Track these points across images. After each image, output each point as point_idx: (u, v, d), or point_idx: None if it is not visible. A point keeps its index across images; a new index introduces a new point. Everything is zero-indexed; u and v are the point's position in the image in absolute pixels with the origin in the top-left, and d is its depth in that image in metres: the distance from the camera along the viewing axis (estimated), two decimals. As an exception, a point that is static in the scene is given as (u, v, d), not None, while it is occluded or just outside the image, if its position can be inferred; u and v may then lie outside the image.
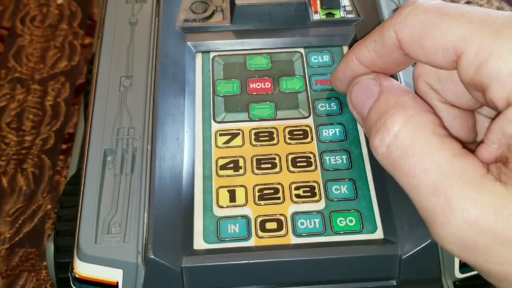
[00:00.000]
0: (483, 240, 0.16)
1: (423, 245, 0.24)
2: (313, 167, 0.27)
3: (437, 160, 0.17)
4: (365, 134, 0.28)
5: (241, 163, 0.27)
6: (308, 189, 0.26)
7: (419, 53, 0.19)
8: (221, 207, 0.26)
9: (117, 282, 0.24)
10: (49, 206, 0.42)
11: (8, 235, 0.40)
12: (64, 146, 0.45)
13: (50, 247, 0.29)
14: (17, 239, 0.40)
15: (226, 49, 0.32)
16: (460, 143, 0.18)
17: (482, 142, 0.18)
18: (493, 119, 0.20)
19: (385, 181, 0.26)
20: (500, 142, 0.17)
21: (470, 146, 0.20)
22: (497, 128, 0.17)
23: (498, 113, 0.17)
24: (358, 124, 0.29)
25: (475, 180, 0.16)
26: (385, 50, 0.20)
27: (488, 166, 0.17)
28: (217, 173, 0.27)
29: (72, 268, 0.25)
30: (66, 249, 0.27)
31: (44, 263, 0.38)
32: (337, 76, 0.23)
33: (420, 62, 0.20)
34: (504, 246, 0.16)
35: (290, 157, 0.28)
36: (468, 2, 0.56)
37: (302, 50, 0.32)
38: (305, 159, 0.27)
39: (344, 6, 0.33)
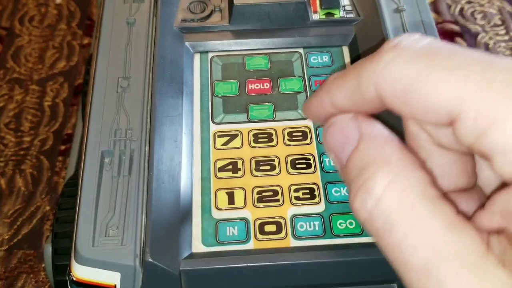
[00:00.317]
0: None
1: (423, 248, 0.24)
2: (312, 169, 0.27)
3: (428, 233, 0.14)
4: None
5: (239, 165, 0.27)
6: (308, 191, 0.26)
7: (405, 111, 0.15)
8: (220, 209, 0.26)
9: (115, 285, 0.24)
10: (47, 208, 0.41)
11: (7, 237, 0.40)
12: (62, 147, 0.45)
13: (48, 249, 0.29)
14: (15, 240, 0.40)
15: (225, 49, 0.31)
16: (455, 208, 0.15)
17: (482, 202, 0.15)
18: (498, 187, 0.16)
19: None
20: (503, 215, 0.14)
21: (470, 192, 0.17)
22: (502, 201, 0.14)
23: (503, 184, 0.14)
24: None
25: (474, 261, 0.14)
26: (364, 101, 0.16)
27: (489, 238, 0.14)
28: (215, 175, 0.27)
29: (70, 271, 0.25)
30: (64, 251, 0.27)
31: (43, 265, 0.38)
32: (309, 112, 0.19)
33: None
34: None
35: (289, 158, 0.27)
36: (469, 2, 0.56)
37: (301, 50, 0.31)
38: (304, 161, 0.27)
39: (344, 6, 0.33)
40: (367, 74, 0.15)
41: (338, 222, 0.25)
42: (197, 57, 0.31)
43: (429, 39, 0.15)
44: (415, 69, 0.14)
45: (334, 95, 0.17)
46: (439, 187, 0.15)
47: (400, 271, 0.15)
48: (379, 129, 0.16)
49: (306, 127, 0.29)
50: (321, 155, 0.27)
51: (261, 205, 0.26)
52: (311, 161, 0.27)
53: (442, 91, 0.14)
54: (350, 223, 0.25)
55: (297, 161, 0.27)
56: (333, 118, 0.17)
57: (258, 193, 0.26)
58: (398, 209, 0.14)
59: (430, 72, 0.14)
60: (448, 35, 0.53)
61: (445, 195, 0.15)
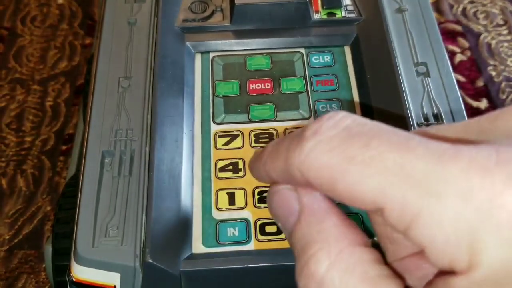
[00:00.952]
0: None
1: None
2: (313, 169, 0.27)
3: None
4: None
5: (240, 165, 0.27)
6: (309, 191, 0.26)
7: (336, 198, 0.15)
8: (220, 210, 0.26)
9: (115, 286, 0.24)
10: (48, 208, 0.41)
11: (7, 237, 0.40)
12: (64, 147, 0.45)
13: (48, 250, 0.29)
14: (16, 240, 0.40)
15: (226, 49, 0.31)
16: (402, 284, 0.14)
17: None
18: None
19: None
20: None
21: None
22: None
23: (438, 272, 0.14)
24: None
25: None
26: (295, 182, 0.16)
27: None
28: (216, 175, 0.27)
29: (70, 272, 0.25)
30: (64, 251, 0.27)
31: (44, 265, 0.38)
32: (252, 174, 0.18)
33: None
34: None
35: (290, 159, 0.27)
36: (471, 2, 0.56)
37: (302, 50, 0.31)
38: (305, 161, 0.27)
39: (346, 6, 0.33)
40: (292, 161, 0.15)
41: (339, 223, 0.25)
42: (198, 57, 0.31)
43: (348, 120, 0.14)
44: (334, 160, 0.14)
45: (268, 170, 0.16)
46: (385, 262, 0.15)
47: None
48: (318, 202, 0.16)
49: (308, 127, 0.28)
50: (322, 155, 0.27)
51: (262, 205, 0.26)
52: (312, 162, 0.27)
53: (364, 184, 0.14)
54: (352, 224, 0.25)
55: (298, 162, 0.27)
56: (275, 187, 0.16)
57: (259, 193, 0.26)
58: None
59: (348, 164, 0.14)
60: (450, 35, 0.53)
61: (393, 269, 0.15)
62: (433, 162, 0.13)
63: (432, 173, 0.13)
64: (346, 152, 0.14)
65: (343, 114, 0.15)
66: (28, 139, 0.45)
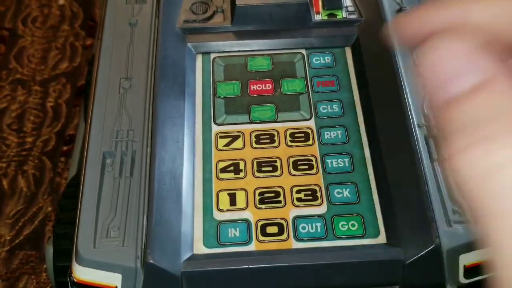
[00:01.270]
0: None
1: (427, 250, 0.23)
2: (314, 170, 0.27)
3: None
4: (368, 135, 0.28)
5: (241, 166, 0.27)
6: (310, 192, 0.26)
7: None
8: (221, 210, 0.26)
9: (116, 287, 0.24)
10: (49, 208, 0.41)
11: (8, 238, 0.40)
12: (65, 148, 0.45)
13: (49, 251, 0.29)
14: (17, 241, 0.40)
15: (227, 50, 0.31)
16: None
17: None
18: None
19: (388, 184, 0.26)
20: None
21: None
22: None
23: None
24: (360, 126, 0.28)
25: None
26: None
27: None
28: (217, 176, 0.27)
29: (71, 272, 0.25)
30: (65, 252, 0.27)
31: (45, 266, 0.38)
32: (412, 25, 0.14)
33: None
34: None
35: (291, 160, 0.27)
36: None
37: (303, 51, 0.31)
38: (306, 162, 0.27)
39: (346, 7, 0.33)
40: None
41: (340, 223, 0.25)
42: (199, 58, 0.31)
43: None
44: None
45: (473, 11, 0.13)
46: None
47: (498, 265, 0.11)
48: None
49: (309, 128, 0.28)
50: (323, 156, 0.27)
51: (263, 206, 0.26)
52: (313, 162, 0.27)
53: None
54: (353, 225, 0.25)
55: (299, 162, 0.27)
56: (454, 35, 0.13)
57: (260, 194, 0.26)
58: None
59: None
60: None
61: None
62: None
63: None
64: None
65: None
66: (29, 139, 0.45)
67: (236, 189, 0.26)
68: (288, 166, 0.27)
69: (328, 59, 0.31)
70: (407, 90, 0.29)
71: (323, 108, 0.29)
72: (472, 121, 0.12)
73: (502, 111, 0.12)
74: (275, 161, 0.27)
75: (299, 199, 0.26)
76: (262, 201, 0.26)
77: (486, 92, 0.12)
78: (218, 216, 0.26)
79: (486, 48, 0.12)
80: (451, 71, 0.12)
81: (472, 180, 0.12)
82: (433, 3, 0.13)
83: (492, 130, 0.12)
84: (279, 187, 0.26)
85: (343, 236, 0.25)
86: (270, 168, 0.27)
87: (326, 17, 0.32)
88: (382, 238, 0.25)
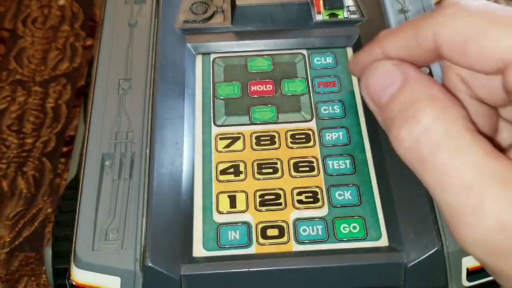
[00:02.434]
0: None
1: (429, 253, 0.23)
2: (315, 172, 0.27)
3: (472, 157, 0.16)
4: (369, 136, 0.27)
5: (241, 168, 0.27)
6: (311, 194, 0.26)
7: (459, 59, 0.17)
8: (221, 213, 0.26)
9: (115, 290, 0.24)
10: (49, 210, 0.41)
11: (8, 239, 0.40)
12: (65, 149, 0.45)
13: (48, 253, 0.29)
14: (17, 243, 0.40)
15: (227, 50, 0.31)
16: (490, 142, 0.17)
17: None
18: None
19: (390, 186, 0.25)
20: None
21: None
22: None
23: None
24: (361, 127, 0.28)
25: None
26: (418, 51, 0.18)
27: None
28: (217, 178, 0.27)
29: (69, 275, 0.25)
30: (64, 255, 0.27)
31: (44, 268, 0.38)
32: (355, 65, 0.21)
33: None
34: None
35: (292, 161, 0.27)
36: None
37: (304, 52, 0.31)
38: (307, 164, 0.27)
39: (348, 6, 0.32)
40: (427, 26, 0.17)
41: (342, 226, 0.25)
42: (199, 59, 0.31)
43: (484, 0, 0.17)
44: (473, 23, 0.16)
45: (386, 46, 0.19)
46: (476, 125, 0.17)
47: (438, 192, 0.16)
48: (423, 74, 0.18)
49: (309, 129, 0.28)
50: (324, 158, 0.27)
51: (263, 208, 0.26)
52: (314, 164, 0.27)
53: (499, 41, 0.16)
54: (354, 227, 0.25)
55: (300, 164, 0.27)
56: (377, 63, 0.19)
57: (260, 196, 0.26)
58: (444, 136, 0.16)
59: (488, 25, 0.16)
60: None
61: (481, 132, 0.17)
62: None
63: None
64: (486, 17, 0.16)
65: None
66: (29, 140, 0.45)
67: (236, 191, 0.26)
68: (289, 168, 0.27)
69: (329, 59, 0.31)
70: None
71: (324, 109, 0.29)
72: (400, 109, 0.17)
73: (418, 96, 0.17)
74: (276, 163, 0.27)
75: (300, 201, 0.26)
76: (262, 203, 0.26)
77: (403, 90, 0.18)
78: (218, 218, 0.25)
79: (399, 65, 0.18)
80: (378, 88, 0.18)
81: (408, 150, 0.17)
82: (366, 46, 0.20)
83: (415, 108, 0.17)
84: (280, 189, 0.26)
85: (344, 239, 0.25)
86: (271, 170, 0.27)
87: (327, 17, 0.32)
88: (384, 241, 0.24)
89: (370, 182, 0.26)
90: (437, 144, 0.16)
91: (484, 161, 0.16)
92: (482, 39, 0.16)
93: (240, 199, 0.26)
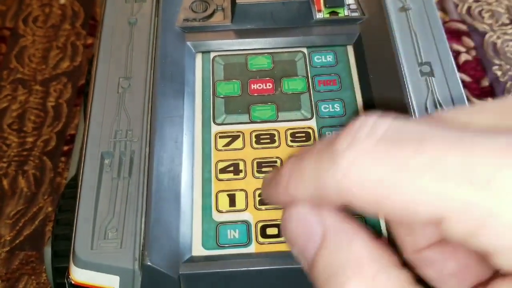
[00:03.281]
0: None
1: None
2: (315, 171, 0.26)
3: None
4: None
5: (241, 167, 0.27)
6: (311, 193, 0.26)
7: (385, 215, 0.14)
8: (221, 211, 0.25)
9: (114, 289, 0.24)
10: (50, 209, 0.41)
11: (9, 238, 0.40)
12: (65, 148, 0.44)
13: (47, 252, 0.29)
14: (17, 241, 0.40)
15: (227, 49, 0.31)
16: None
17: None
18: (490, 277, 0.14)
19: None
20: None
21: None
22: None
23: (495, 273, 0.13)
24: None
25: None
26: (326, 203, 0.14)
27: None
28: (216, 176, 0.26)
29: (69, 274, 0.24)
30: (64, 253, 0.26)
31: (45, 267, 0.38)
32: (267, 198, 0.16)
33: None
34: None
35: (292, 160, 0.27)
36: (477, 0, 0.55)
37: (305, 50, 0.31)
38: (307, 162, 0.27)
39: (349, 5, 0.32)
40: (327, 180, 0.13)
41: (342, 225, 0.25)
42: (199, 57, 0.31)
43: (387, 123, 0.13)
44: (382, 172, 0.12)
45: (293, 194, 0.14)
46: (421, 282, 0.14)
47: None
48: (343, 221, 0.14)
49: (309, 128, 0.28)
50: (324, 156, 0.27)
51: (263, 207, 0.25)
52: (314, 163, 0.27)
53: (421, 195, 0.12)
54: (354, 227, 0.25)
55: (299, 163, 0.27)
56: (291, 209, 0.15)
57: (260, 195, 0.26)
58: None
59: (402, 173, 0.12)
60: (455, 34, 0.52)
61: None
62: (499, 158, 0.11)
63: (502, 172, 0.11)
64: (395, 161, 0.12)
65: (374, 118, 0.13)
66: (30, 139, 0.45)
67: (235, 190, 0.26)
68: (289, 167, 0.27)
69: (329, 57, 0.31)
70: (410, 89, 0.28)
71: (325, 108, 0.29)
72: (324, 278, 0.14)
73: (341, 263, 0.14)
74: (276, 162, 0.27)
75: (299, 200, 0.26)
76: (262, 202, 0.26)
77: (324, 252, 0.14)
78: (217, 217, 0.25)
79: (316, 213, 0.14)
80: (301, 242, 0.14)
81: None
82: (274, 179, 0.15)
83: (338, 282, 0.13)
84: (279, 188, 0.26)
85: (344, 238, 0.24)
86: (271, 169, 0.27)
87: (327, 15, 0.32)
88: (384, 240, 0.24)
89: (370, 181, 0.26)
90: None
91: None
92: (397, 194, 0.12)
93: (240, 197, 0.26)
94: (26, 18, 0.54)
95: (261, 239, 0.25)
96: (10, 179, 0.43)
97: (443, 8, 0.54)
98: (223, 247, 0.24)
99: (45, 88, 0.48)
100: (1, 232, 0.40)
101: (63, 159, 0.44)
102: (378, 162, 0.12)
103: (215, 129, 0.28)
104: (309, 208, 0.14)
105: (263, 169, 0.27)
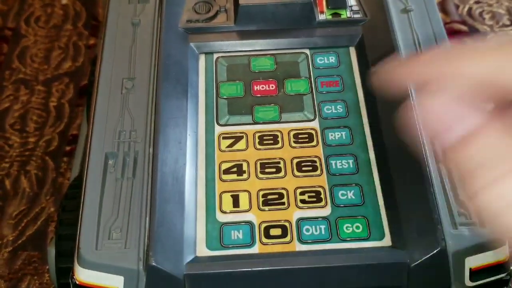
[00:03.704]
0: None
1: (432, 253, 0.23)
2: (318, 172, 0.27)
3: None
4: (372, 136, 0.27)
5: (244, 167, 0.27)
6: (314, 194, 0.26)
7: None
8: (224, 212, 0.26)
9: (118, 289, 0.24)
10: (52, 209, 0.41)
11: (11, 238, 0.40)
12: (68, 148, 0.45)
13: (51, 252, 0.29)
14: (20, 242, 0.40)
15: (230, 50, 0.31)
16: None
17: None
18: None
19: (393, 186, 0.25)
20: None
21: None
22: None
23: None
24: (364, 127, 0.28)
25: None
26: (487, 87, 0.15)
27: None
28: (220, 177, 0.27)
29: (73, 274, 0.25)
30: (68, 253, 0.27)
31: (47, 267, 0.38)
32: (406, 73, 0.17)
33: None
34: None
35: (295, 161, 0.27)
36: (477, 2, 0.55)
37: (307, 51, 0.31)
38: (310, 163, 0.27)
39: (351, 6, 0.32)
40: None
41: (345, 226, 0.25)
42: (202, 58, 0.31)
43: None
44: None
45: (467, 67, 0.15)
46: None
47: None
48: (501, 116, 0.14)
49: (312, 129, 0.28)
50: (327, 157, 0.27)
51: (266, 208, 0.26)
52: (317, 164, 0.27)
53: None
54: (357, 227, 0.25)
55: (302, 164, 0.27)
56: (439, 95, 0.15)
57: (263, 196, 0.26)
58: None
59: None
60: (456, 35, 0.52)
61: None
62: None
63: None
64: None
65: None
66: (32, 139, 0.45)
67: (239, 191, 0.26)
68: (292, 168, 0.27)
69: (332, 59, 0.31)
70: (413, 90, 0.28)
71: (327, 109, 0.29)
72: (478, 164, 0.14)
73: (501, 153, 0.14)
74: (279, 162, 0.27)
75: (303, 201, 0.26)
76: (265, 203, 0.26)
77: (481, 137, 0.14)
78: (221, 218, 0.25)
79: (474, 97, 0.14)
80: (440, 125, 0.14)
81: (507, 208, 0.13)
82: (423, 58, 0.16)
83: (497, 172, 0.13)
84: (283, 188, 0.26)
85: (347, 239, 0.25)
86: (274, 170, 0.27)
87: (330, 17, 0.32)
88: (387, 241, 0.24)
89: (373, 181, 0.26)
90: None
91: None
92: None
93: (243, 198, 0.26)
94: (28, 18, 0.54)
95: (264, 240, 0.25)
96: (12, 179, 0.43)
97: (444, 9, 0.55)
98: (227, 248, 0.24)
99: (47, 88, 0.48)
100: (3, 232, 0.40)
101: (65, 159, 0.44)
102: None
103: (218, 130, 0.28)
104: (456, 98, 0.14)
105: (267, 170, 0.27)
